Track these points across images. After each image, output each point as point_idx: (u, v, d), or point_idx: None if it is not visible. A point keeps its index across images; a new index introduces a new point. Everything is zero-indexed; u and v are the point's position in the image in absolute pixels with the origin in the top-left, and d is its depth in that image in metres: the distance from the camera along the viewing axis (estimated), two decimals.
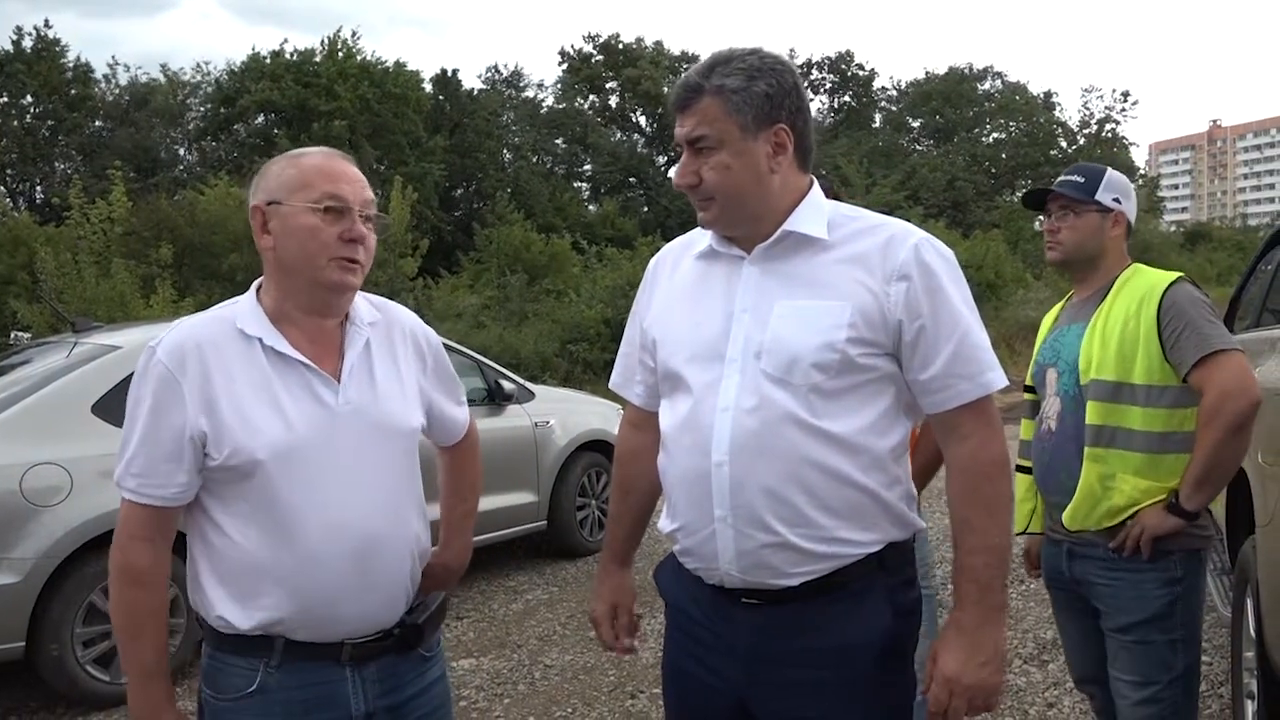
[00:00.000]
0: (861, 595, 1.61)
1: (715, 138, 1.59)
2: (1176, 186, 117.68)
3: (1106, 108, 48.42)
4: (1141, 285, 2.41)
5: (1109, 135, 45.98)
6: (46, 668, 3.96)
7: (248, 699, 1.63)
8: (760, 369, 1.59)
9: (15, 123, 31.25)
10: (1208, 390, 2.22)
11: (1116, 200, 2.45)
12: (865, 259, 1.60)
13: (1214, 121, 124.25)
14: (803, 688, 1.61)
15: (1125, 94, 57.03)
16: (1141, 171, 52.82)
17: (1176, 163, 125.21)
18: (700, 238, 1.73)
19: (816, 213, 1.64)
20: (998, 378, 1.61)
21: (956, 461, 1.62)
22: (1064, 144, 46.45)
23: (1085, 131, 46.19)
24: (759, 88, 1.58)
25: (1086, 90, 73.17)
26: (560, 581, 5.68)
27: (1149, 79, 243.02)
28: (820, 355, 1.56)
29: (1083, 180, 2.46)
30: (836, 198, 1.87)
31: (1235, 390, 2.20)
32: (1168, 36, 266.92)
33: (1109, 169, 2.51)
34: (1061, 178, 2.51)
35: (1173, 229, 45.11)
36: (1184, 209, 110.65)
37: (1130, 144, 46.97)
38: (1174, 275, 2.43)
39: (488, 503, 5.33)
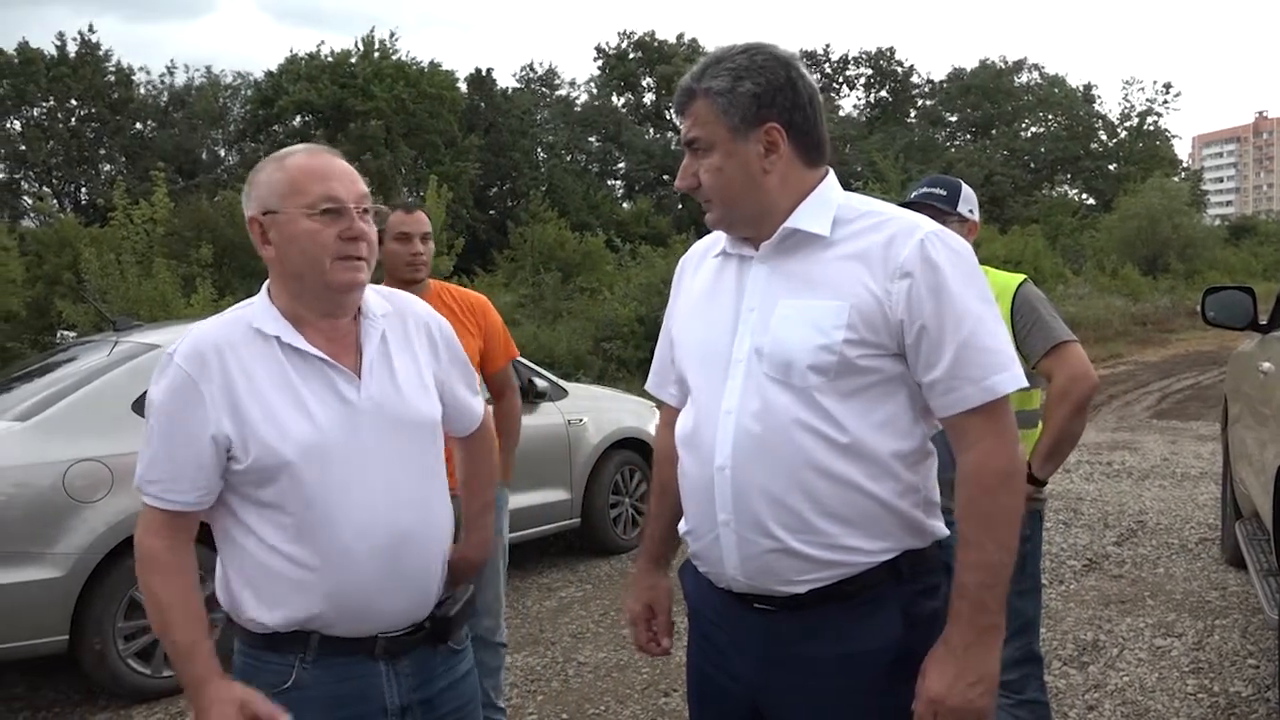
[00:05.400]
0: (874, 604, 1.55)
1: (707, 140, 1.57)
2: (1221, 180, 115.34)
3: (1148, 100, 47.81)
4: (994, 285, 2.55)
5: (1150, 128, 45.26)
6: (89, 661, 4.02)
7: (283, 694, 1.63)
8: (763, 371, 1.55)
9: (61, 126, 31.88)
10: (1057, 375, 2.58)
11: (970, 211, 2.78)
12: (867, 256, 1.54)
13: (1260, 113, 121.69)
14: (815, 695, 1.58)
15: (1167, 86, 56.22)
16: (1184, 165, 51.92)
17: (1221, 155, 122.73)
18: (722, 238, 1.70)
19: (822, 208, 1.59)
20: (1006, 381, 1.51)
21: (960, 471, 1.54)
22: (1104, 137, 45.79)
23: (1126, 124, 45.50)
24: (744, 88, 1.54)
25: (1127, 82, 72.06)
26: (594, 579, 5.68)
27: (1192, 70, 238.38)
28: (816, 357, 1.51)
29: (945, 193, 2.75)
30: None
31: (1080, 375, 2.57)
32: (1211, 26, 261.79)
33: (962, 182, 2.81)
34: (924, 189, 2.78)
35: (1217, 223, 44.19)
36: (1228, 202, 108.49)
37: (1173, 137, 46.36)
38: (1021, 277, 2.74)
39: (521, 500, 5.39)
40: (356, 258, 1.62)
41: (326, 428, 1.61)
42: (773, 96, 1.55)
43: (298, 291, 1.65)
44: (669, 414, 1.87)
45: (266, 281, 1.71)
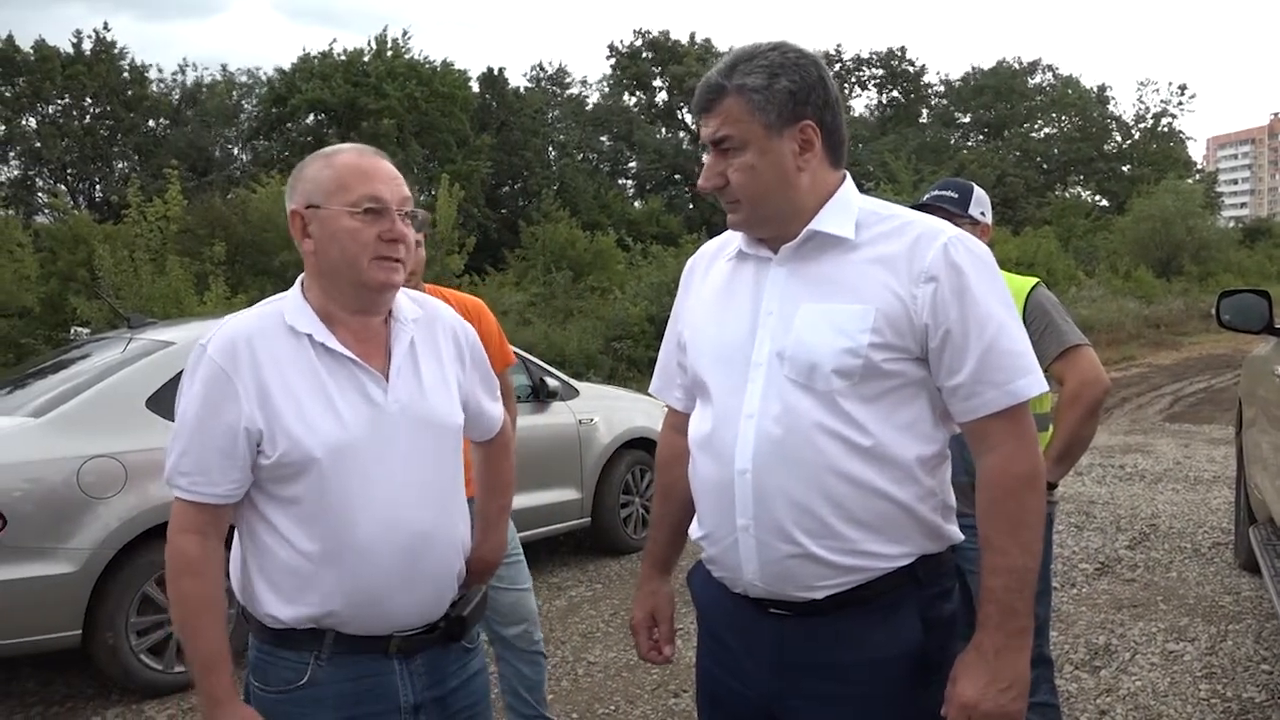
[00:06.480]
0: (892, 608, 1.55)
1: (739, 138, 1.54)
2: (1235, 182, 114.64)
3: (1162, 101, 47.57)
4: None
5: (1165, 129, 45.04)
6: (101, 656, 4.04)
7: (299, 691, 1.64)
8: (784, 374, 1.54)
9: (76, 123, 32.03)
10: (1069, 379, 2.59)
11: (982, 214, 2.79)
12: (892, 260, 1.54)
13: (1275, 114, 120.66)
14: (832, 701, 1.57)
15: (1182, 87, 55.90)
16: (1199, 166, 51.65)
17: (1235, 157, 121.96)
18: (734, 239, 1.69)
19: (844, 211, 1.58)
20: (1030, 385, 1.52)
21: (983, 475, 1.54)
22: (1118, 138, 45.58)
23: (1140, 126, 45.28)
24: (781, 84, 1.53)
25: (1142, 83, 71.74)
26: (604, 579, 5.68)
27: (1207, 72, 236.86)
28: (841, 360, 1.51)
29: (957, 195, 2.77)
30: None
31: (1092, 379, 2.59)
32: (1227, 28, 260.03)
33: (975, 185, 2.83)
34: (935, 192, 2.80)
35: (1231, 225, 43.91)
36: (1243, 204, 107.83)
37: (1187, 138, 45.98)
38: (1034, 280, 2.74)
39: (532, 499, 5.41)
40: (394, 259, 1.64)
41: (353, 428, 1.62)
42: (807, 94, 1.55)
43: (331, 288, 1.67)
44: (674, 418, 1.86)
45: (301, 276, 1.72)
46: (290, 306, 1.67)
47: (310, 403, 1.61)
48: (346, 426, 1.62)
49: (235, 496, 1.63)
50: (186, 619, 1.63)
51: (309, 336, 1.64)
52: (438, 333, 1.79)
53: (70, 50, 31.80)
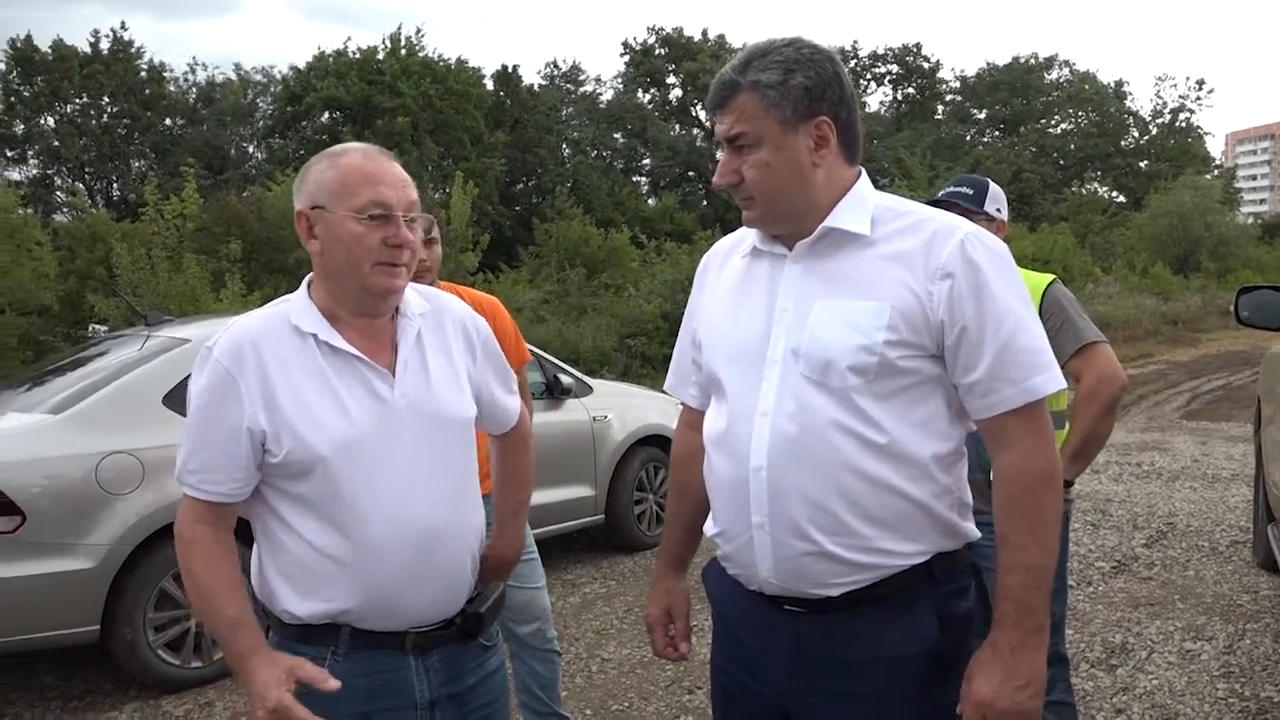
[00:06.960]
0: (907, 606, 1.54)
1: (754, 135, 1.54)
2: (1255, 177, 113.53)
3: (1180, 96, 47.12)
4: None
5: (1183, 125, 44.72)
6: (119, 651, 4.07)
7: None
8: (799, 372, 1.54)
9: (94, 122, 32.30)
10: (1085, 375, 2.57)
11: (998, 210, 2.77)
12: (908, 257, 1.53)
13: None
14: (848, 698, 1.57)
15: (1200, 82, 55.46)
16: (1217, 162, 51.24)
17: (1255, 153, 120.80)
18: (748, 236, 1.69)
19: (860, 207, 1.58)
20: (1046, 382, 1.51)
21: (1000, 472, 1.53)
22: (1136, 134, 45.28)
23: (1158, 121, 44.98)
24: (796, 80, 1.52)
25: (1160, 78, 71.44)
26: (617, 576, 5.69)
27: (1227, 66, 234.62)
28: (856, 358, 1.50)
29: (972, 192, 2.76)
30: None
31: (1109, 376, 2.57)
32: (1247, 21, 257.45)
33: (990, 181, 2.81)
34: (950, 188, 2.79)
35: (1250, 221, 43.54)
36: (1262, 200, 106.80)
37: (1205, 133, 45.66)
38: (1050, 276, 2.73)
39: (546, 496, 5.42)
40: (397, 265, 1.63)
41: (360, 424, 1.62)
42: (823, 90, 1.54)
43: (336, 289, 1.67)
44: (689, 415, 1.86)
45: (309, 276, 1.73)
46: (296, 307, 1.68)
47: (316, 401, 1.62)
48: (353, 424, 1.62)
49: (242, 495, 1.65)
50: (203, 592, 1.62)
51: (314, 336, 1.65)
52: (446, 325, 1.78)
53: (88, 50, 32.08)
